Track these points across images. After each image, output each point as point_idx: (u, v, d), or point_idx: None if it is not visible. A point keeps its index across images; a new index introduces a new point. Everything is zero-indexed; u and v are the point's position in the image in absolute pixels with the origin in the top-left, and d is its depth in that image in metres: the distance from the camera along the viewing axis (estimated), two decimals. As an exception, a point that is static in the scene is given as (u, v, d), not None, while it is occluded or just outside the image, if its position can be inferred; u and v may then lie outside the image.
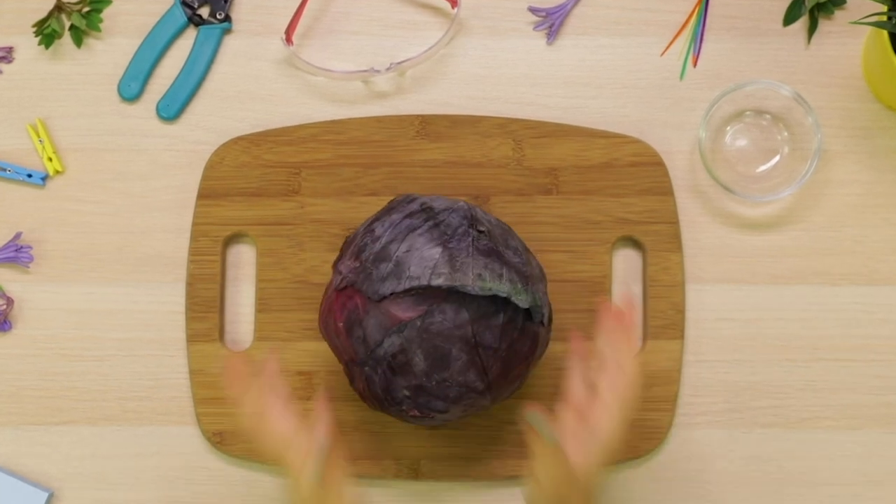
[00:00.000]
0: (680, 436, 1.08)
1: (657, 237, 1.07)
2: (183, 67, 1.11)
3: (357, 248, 0.94)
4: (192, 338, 1.07)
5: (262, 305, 1.07)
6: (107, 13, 1.11)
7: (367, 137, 1.08)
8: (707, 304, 1.08)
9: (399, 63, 1.09)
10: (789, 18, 1.10)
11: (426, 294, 0.91)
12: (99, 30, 1.10)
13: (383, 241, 0.93)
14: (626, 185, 1.07)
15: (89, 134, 1.11)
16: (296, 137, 1.08)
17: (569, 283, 1.07)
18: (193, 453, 1.08)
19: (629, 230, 1.07)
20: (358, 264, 0.93)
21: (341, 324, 0.93)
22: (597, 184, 1.07)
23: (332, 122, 1.08)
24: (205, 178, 1.08)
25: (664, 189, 1.07)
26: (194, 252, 1.08)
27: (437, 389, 0.92)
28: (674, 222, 1.07)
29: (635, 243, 1.09)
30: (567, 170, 1.07)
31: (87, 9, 1.10)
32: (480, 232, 0.93)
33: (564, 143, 1.08)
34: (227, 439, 1.07)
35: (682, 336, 1.06)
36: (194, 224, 1.08)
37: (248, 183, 1.08)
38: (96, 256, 1.10)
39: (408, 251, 0.91)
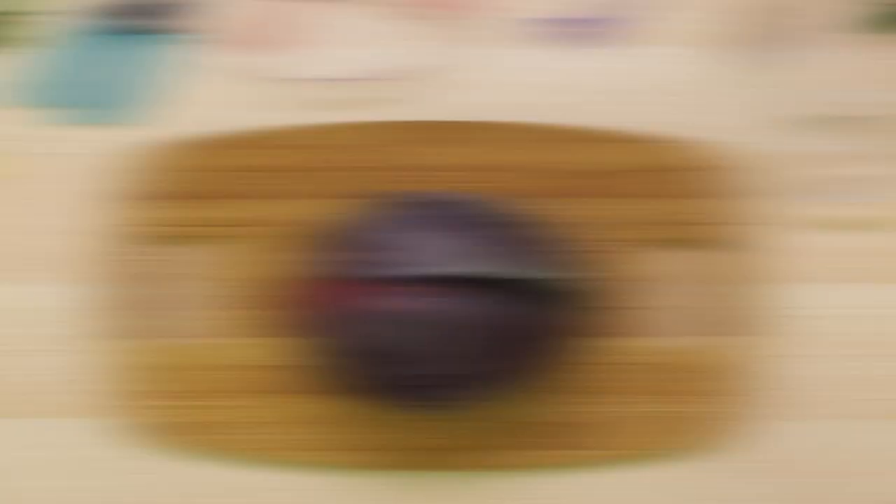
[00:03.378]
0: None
1: (718, 239, 0.99)
2: (122, 75, 1.03)
3: (350, 238, 0.90)
4: (118, 333, 0.96)
5: (212, 303, 0.98)
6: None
7: (346, 143, 1.01)
8: (795, 303, 0.98)
9: (384, 73, 1.03)
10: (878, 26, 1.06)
11: (431, 283, 0.87)
12: (18, 35, 1.04)
13: (383, 231, 0.89)
14: (679, 189, 0.99)
15: None
16: (253, 142, 1.01)
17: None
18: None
19: (681, 232, 1.00)
20: (352, 254, 0.89)
21: (329, 316, 0.89)
22: (644, 187, 1.00)
23: (302, 127, 1.01)
24: (139, 180, 0.99)
25: (728, 192, 1.00)
26: (128, 253, 0.98)
27: (438, 380, 0.88)
28: (740, 225, 0.99)
29: (690, 244, 1.00)
30: (613, 174, 1.00)
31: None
32: (494, 220, 0.90)
33: (605, 147, 1.00)
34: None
35: (764, 332, 0.97)
36: (125, 225, 0.98)
37: (192, 186, 1.00)
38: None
39: (412, 239, 0.88)
